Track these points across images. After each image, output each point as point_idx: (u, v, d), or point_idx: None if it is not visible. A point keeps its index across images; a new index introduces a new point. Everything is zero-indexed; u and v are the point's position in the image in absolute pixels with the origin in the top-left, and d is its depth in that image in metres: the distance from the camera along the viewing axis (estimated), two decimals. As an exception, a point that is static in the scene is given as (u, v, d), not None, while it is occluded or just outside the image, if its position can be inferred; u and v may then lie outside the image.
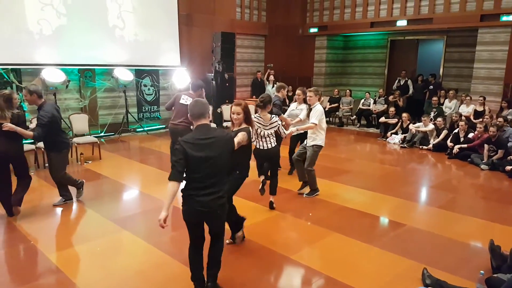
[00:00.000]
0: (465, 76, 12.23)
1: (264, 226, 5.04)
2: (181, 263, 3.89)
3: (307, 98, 6.04)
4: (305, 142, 6.12)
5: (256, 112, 5.36)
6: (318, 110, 5.82)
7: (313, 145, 5.92)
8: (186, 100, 6.30)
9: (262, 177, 5.39)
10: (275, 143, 5.36)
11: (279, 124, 5.31)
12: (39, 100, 5.05)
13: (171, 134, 6.45)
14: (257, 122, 5.20)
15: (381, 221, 5.40)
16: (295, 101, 6.94)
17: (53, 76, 8.97)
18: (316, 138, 5.90)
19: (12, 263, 4.09)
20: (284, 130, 5.52)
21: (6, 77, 8.72)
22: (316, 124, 5.80)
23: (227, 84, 11.90)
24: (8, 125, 4.67)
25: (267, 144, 5.26)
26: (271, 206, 5.54)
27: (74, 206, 5.61)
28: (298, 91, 6.78)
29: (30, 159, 7.42)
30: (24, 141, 5.33)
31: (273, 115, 5.35)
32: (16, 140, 4.91)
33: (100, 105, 10.42)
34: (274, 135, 5.36)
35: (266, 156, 5.35)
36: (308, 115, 6.16)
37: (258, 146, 5.30)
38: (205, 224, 3.29)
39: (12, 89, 8.76)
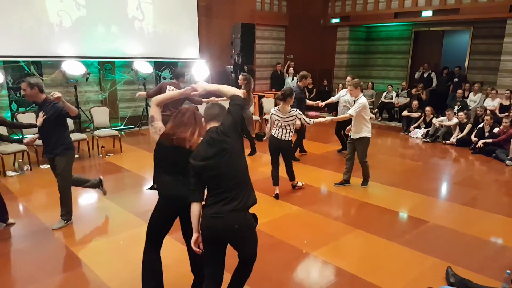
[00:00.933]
0: (492, 68, 11.85)
1: (285, 221, 5.02)
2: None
3: (349, 91, 6.17)
4: (349, 135, 6.15)
5: (276, 105, 5.56)
6: (359, 103, 5.84)
7: (361, 137, 5.94)
8: (172, 91, 6.44)
9: (277, 190, 5.75)
10: (290, 138, 5.64)
11: (300, 117, 5.58)
12: (41, 95, 4.35)
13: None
14: (274, 114, 5.60)
15: (404, 218, 5.31)
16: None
17: (73, 69, 9.03)
18: (361, 130, 5.90)
19: (37, 256, 4.15)
20: (306, 119, 5.69)
21: (27, 69, 8.84)
22: (352, 115, 5.84)
23: (246, 77, 11.83)
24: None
25: (281, 135, 5.58)
26: (293, 187, 6.03)
27: (96, 199, 5.69)
28: (348, 78, 7.31)
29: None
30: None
31: (292, 109, 5.57)
32: None
33: (120, 98, 10.50)
34: (292, 130, 5.62)
35: (276, 145, 5.66)
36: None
37: (273, 133, 5.66)
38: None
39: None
